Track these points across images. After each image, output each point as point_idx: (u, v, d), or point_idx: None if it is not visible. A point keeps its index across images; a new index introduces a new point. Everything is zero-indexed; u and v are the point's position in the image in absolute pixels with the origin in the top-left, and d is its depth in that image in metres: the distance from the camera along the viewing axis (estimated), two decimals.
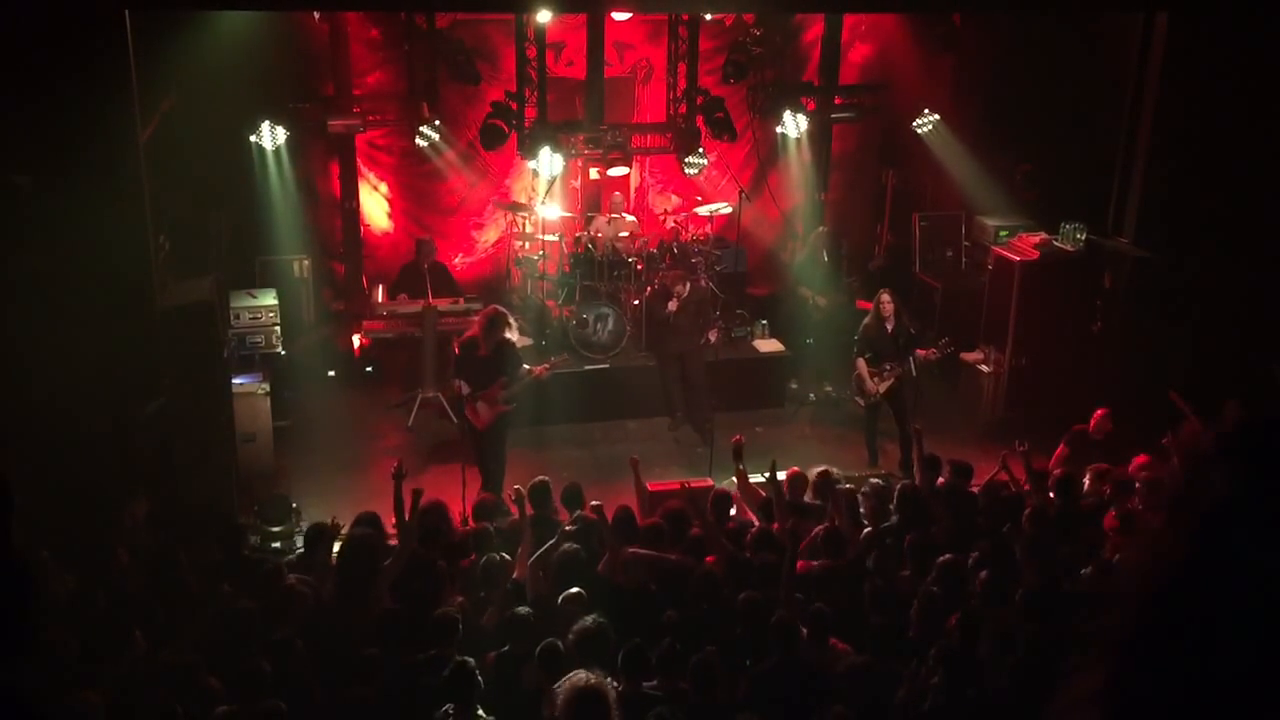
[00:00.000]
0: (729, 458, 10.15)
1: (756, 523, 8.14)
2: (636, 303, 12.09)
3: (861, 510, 8.09)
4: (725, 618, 6.39)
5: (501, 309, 9.93)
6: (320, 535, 7.50)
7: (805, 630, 6.09)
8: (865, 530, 7.74)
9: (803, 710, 5.13)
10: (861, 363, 10.68)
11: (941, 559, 6.85)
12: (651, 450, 10.98)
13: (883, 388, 10.62)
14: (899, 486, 8.66)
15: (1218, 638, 1.10)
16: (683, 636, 5.92)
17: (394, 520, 7.40)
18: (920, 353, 10.66)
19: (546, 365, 9.98)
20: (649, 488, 9.21)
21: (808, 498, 8.51)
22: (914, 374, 10.75)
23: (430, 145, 12.42)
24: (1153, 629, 1.16)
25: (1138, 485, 8.05)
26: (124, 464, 8.48)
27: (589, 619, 5.86)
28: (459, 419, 10.51)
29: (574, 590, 6.52)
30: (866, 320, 10.80)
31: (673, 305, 11.22)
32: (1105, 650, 1.21)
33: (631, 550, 7.13)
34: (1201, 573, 1.13)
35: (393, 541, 7.38)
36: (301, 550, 7.94)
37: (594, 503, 7.47)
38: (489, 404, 9.58)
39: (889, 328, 10.63)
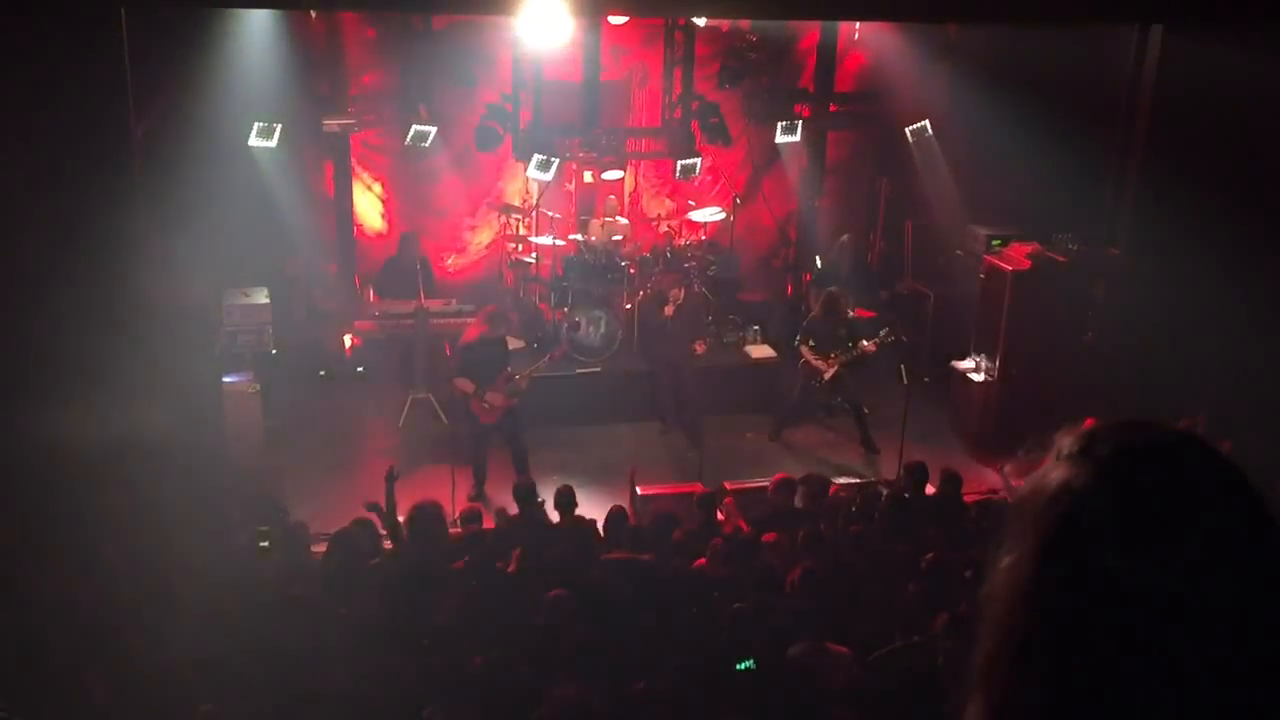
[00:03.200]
0: (720, 462, 10.22)
1: (745, 528, 8.16)
2: (629, 307, 12.10)
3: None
4: (712, 620, 6.39)
5: (499, 308, 10.13)
6: (294, 536, 7.51)
7: (800, 640, 6.08)
8: (852, 533, 7.76)
9: (796, 715, 5.12)
10: (805, 349, 11.24)
11: (927, 566, 6.87)
12: (642, 454, 10.98)
13: (829, 373, 11.11)
14: (886, 493, 8.69)
15: (1077, 650, 1.07)
16: (673, 639, 5.91)
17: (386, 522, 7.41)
18: (863, 344, 11.10)
19: (524, 375, 10.24)
20: (640, 491, 9.22)
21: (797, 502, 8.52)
22: (905, 381, 10.78)
23: (424, 146, 12.37)
24: (1015, 651, 1.11)
25: None
26: (109, 460, 8.43)
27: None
28: (450, 420, 10.55)
29: (558, 592, 6.47)
30: (814, 313, 11.39)
31: (669, 310, 11.28)
32: (978, 678, 1.16)
33: (604, 556, 7.14)
34: (1053, 588, 1.09)
35: (385, 544, 7.39)
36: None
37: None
38: (495, 399, 9.90)
39: (833, 319, 11.29)
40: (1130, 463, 1.12)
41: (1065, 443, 1.18)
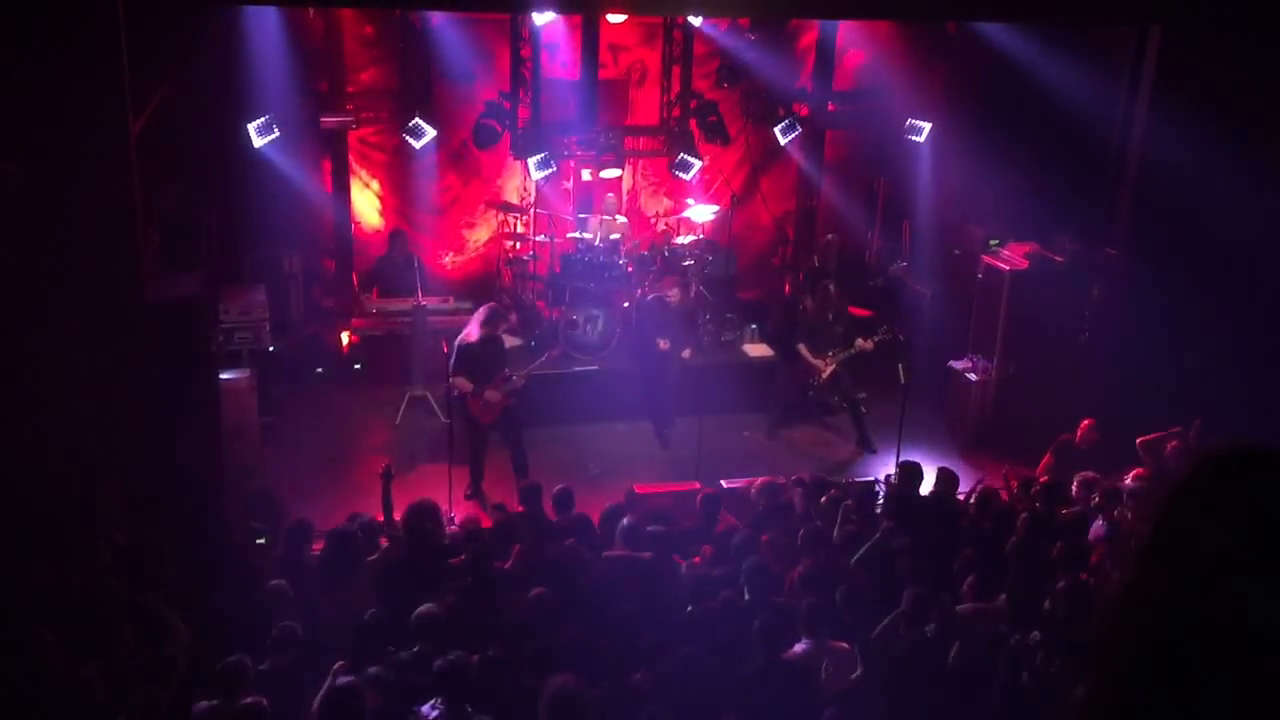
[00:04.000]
0: (717, 460, 10.21)
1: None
2: (626, 305, 12.09)
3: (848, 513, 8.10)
4: (710, 617, 6.40)
5: (496, 306, 10.13)
6: (301, 532, 7.50)
7: (803, 638, 6.08)
8: (847, 532, 7.76)
9: (793, 715, 5.13)
10: (803, 348, 11.28)
11: (923, 563, 6.89)
12: (639, 452, 10.98)
13: (828, 371, 11.14)
14: (884, 493, 8.71)
15: (1208, 692, 1.04)
16: (671, 635, 5.92)
17: (383, 519, 7.42)
18: (859, 342, 11.12)
19: (522, 374, 10.17)
20: (637, 490, 9.23)
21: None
22: (903, 380, 10.78)
23: (415, 145, 12.30)
24: (1133, 678, 1.09)
25: (1125, 496, 8.09)
26: (106, 456, 8.43)
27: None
28: (447, 418, 10.54)
29: (538, 591, 6.44)
30: (810, 312, 11.42)
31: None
32: (1083, 699, 1.15)
33: (607, 554, 7.15)
34: (1186, 620, 1.07)
35: (382, 541, 7.39)
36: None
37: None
38: (494, 397, 9.84)
39: (829, 317, 11.28)
40: (1271, 498, 1.08)
41: (1196, 467, 1.13)
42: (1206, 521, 1.08)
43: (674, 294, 11.38)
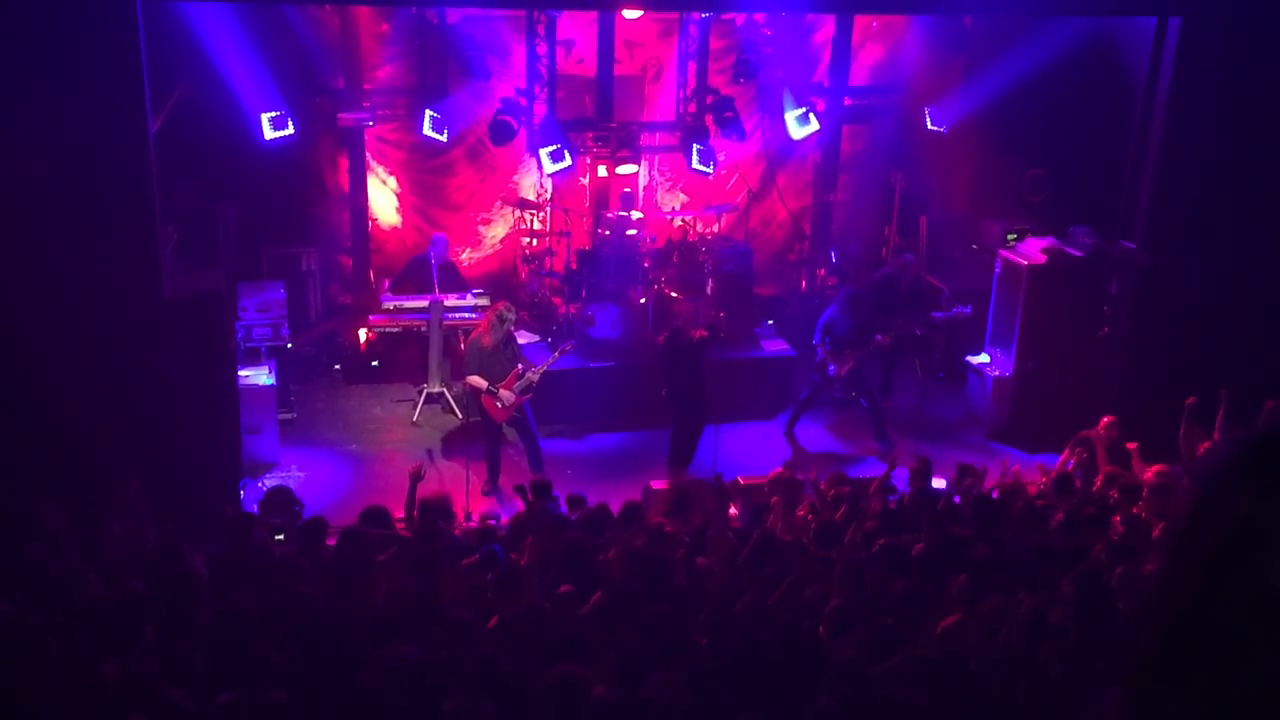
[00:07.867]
0: (733, 457, 10.19)
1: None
2: (643, 301, 12.07)
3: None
4: (724, 617, 6.38)
5: (509, 304, 10.14)
6: (316, 529, 7.53)
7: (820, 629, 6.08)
8: (867, 528, 7.74)
9: (797, 703, 5.13)
10: (821, 345, 11.24)
11: (930, 559, 6.88)
12: (656, 449, 10.96)
13: (844, 370, 11.10)
14: (904, 492, 8.68)
15: (1242, 665, 1.06)
16: (675, 635, 5.91)
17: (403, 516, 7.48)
18: (878, 338, 11.10)
19: (537, 370, 10.11)
20: (652, 485, 9.23)
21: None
22: (920, 375, 10.76)
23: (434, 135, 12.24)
24: (1174, 652, 1.12)
25: (1146, 491, 8.03)
26: (125, 452, 8.47)
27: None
28: (464, 415, 10.57)
29: (565, 589, 6.45)
30: (832, 312, 11.31)
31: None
32: (1125, 673, 1.17)
33: (618, 549, 7.14)
34: (1226, 597, 1.09)
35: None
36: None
37: None
38: (508, 397, 9.83)
39: (850, 318, 11.26)
40: None
41: (1237, 448, 1.15)
42: (1243, 498, 1.11)
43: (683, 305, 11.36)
